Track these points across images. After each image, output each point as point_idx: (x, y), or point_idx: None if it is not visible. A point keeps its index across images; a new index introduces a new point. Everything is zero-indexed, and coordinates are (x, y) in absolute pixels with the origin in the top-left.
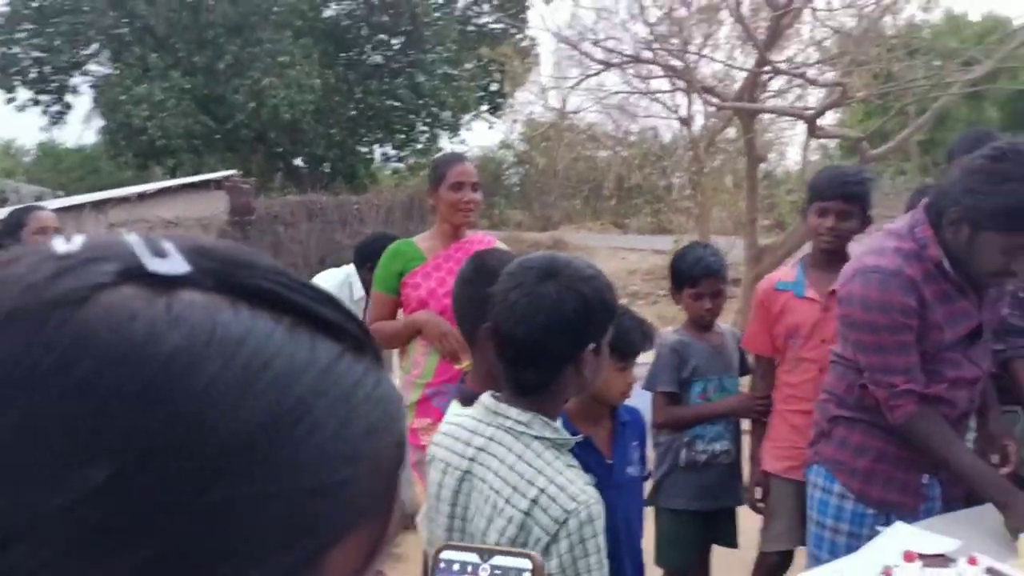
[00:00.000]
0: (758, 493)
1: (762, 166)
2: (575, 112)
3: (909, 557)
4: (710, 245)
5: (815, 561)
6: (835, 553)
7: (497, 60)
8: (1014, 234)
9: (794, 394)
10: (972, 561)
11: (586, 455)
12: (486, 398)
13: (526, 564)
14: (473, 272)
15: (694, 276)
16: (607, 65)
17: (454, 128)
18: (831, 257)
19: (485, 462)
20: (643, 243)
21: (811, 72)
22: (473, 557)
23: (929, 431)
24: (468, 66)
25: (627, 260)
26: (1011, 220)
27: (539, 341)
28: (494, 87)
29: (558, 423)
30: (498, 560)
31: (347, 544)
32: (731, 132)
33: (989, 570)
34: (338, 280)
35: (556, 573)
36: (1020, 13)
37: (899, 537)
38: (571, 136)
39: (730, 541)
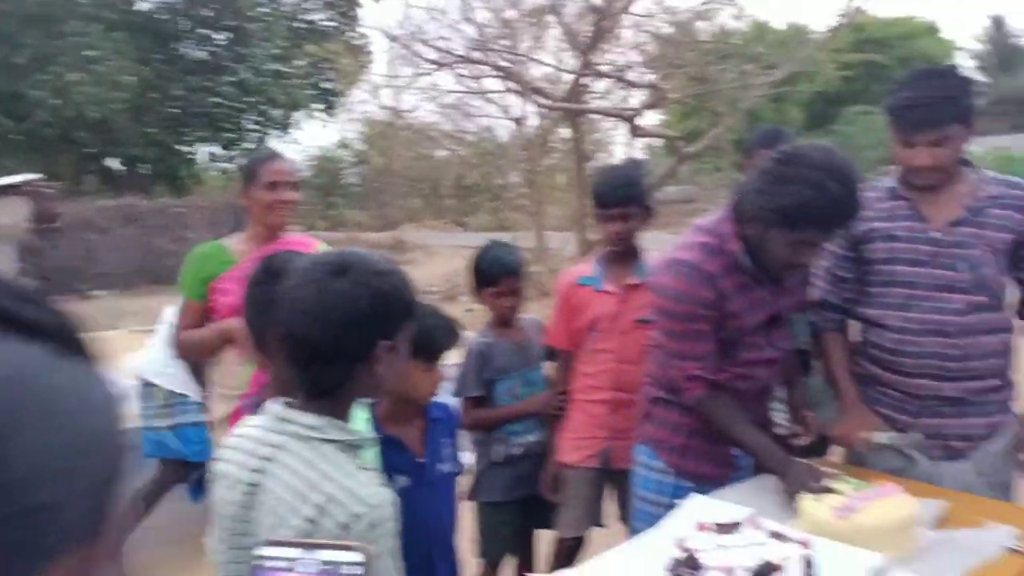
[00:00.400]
0: (548, 481)
1: (591, 164)
2: (410, 111)
3: (702, 527)
4: (508, 244)
5: (635, 533)
6: (651, 524)
7: (328, 58)
8: (796, 231)
9: (592, 384)
10: (756, 525)
11: (396, 455)
12: (274, 406)
13: (357, 557)
14: (262, 273)
15: (493, 275)
16: (439, 65)
17: (285, 126)
18: (622, 254)
19: (272, 472)
20: (483, 240)
21: (632, 75)
22: (296, 552)
23: (715, 412)
24: (299, 63)
25: (467, 258)
26: (792, 219)
27: (329, 339)
28: (327, 85)
29: (354, 424)
30: (326, 555)
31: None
32: (563, 132)
33: (771, 532)
34: None
35: None
36: (817, 21)
37: (694, 509)
38: (409, 135)
39: (549, 523)
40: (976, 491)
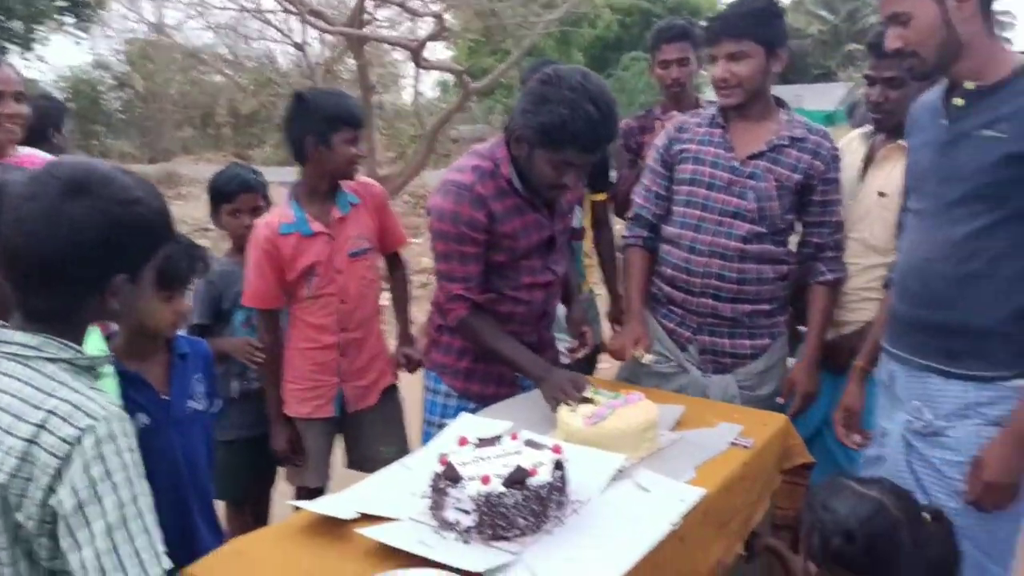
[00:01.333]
0: (282, 442)
1: (378, 97)
2: (174, 27)
3: (462, 442)
4: (252, 167)
5: None
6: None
7: None
8: (557, 151)
9: (318, 331)
10: (514, 436)
11: (136, 392)
12: None
13: None
14: None
15: (230, 192)
16: None
17: (26, 42)
18: (324, 192)
19: None
20: (270, 175)
21: (416, 4)
22: None
23: (478, 330)
24: None
25: None
26: (552, 138)
27: (52, 265)
28: None
29: (91, 348)
30: None
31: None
32: (350, 62)
33: (528, 442)
34: None
35: (68, 501)
36: None
37: (460, 426)
38: (177, 57)
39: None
40: (736, 401)
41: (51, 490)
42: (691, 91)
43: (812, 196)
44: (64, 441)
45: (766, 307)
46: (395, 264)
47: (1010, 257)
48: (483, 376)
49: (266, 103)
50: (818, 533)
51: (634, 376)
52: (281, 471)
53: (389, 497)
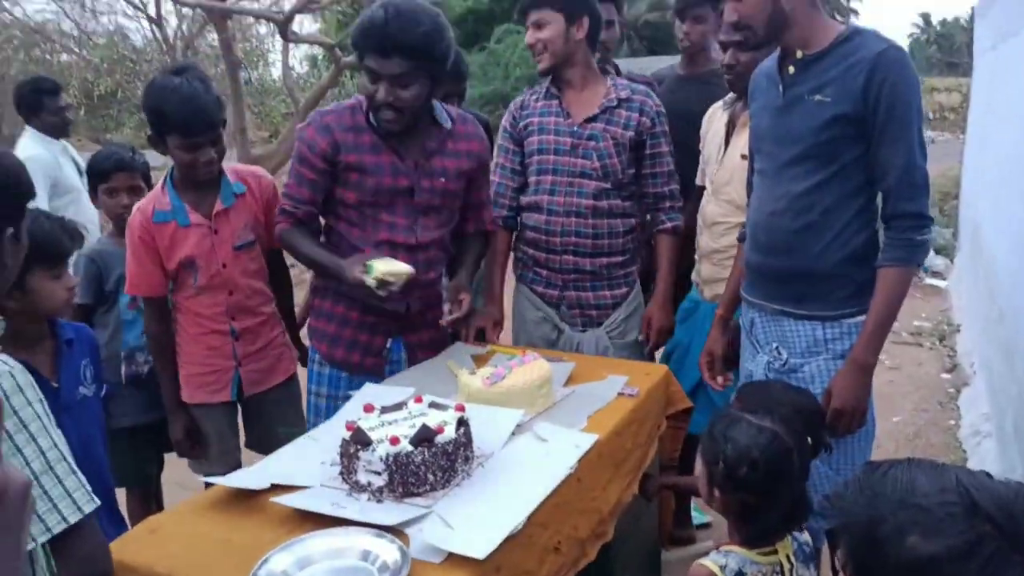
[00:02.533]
0: (179, 431)
1: (246, 73)
2: (12, 2)
3: (368, 409)
4: (133, 148)
5: (312, 427)
6: (321, 416)
7: None
8: (360, 57)
9: (207, 319)
10: (418, 400)
11: None
12: None
13: None
14: None
15: (106, 170)
16: None
17: None
18: (203, 182)
19: None
20: None
21: None
22: None
23: (295, 243)
24: None
25: None
26: (353, 43)
27: None
28: None
29: None
30: None
31: None
32: (213, 37)
33: (432, 404)
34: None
35: None
36: None
37: (365, 395)
38: (18, 35)
39: None
40: (610, 352)
41: None
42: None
43: (644, 150)
44: None
45: (620, 259)
46: (278, 264)
47: (840, 209)
48: (349, 343)
49: (121, 82)
50: (723, 463)
51: (519, 342)
52: (169, 460)
53: (300, 467)
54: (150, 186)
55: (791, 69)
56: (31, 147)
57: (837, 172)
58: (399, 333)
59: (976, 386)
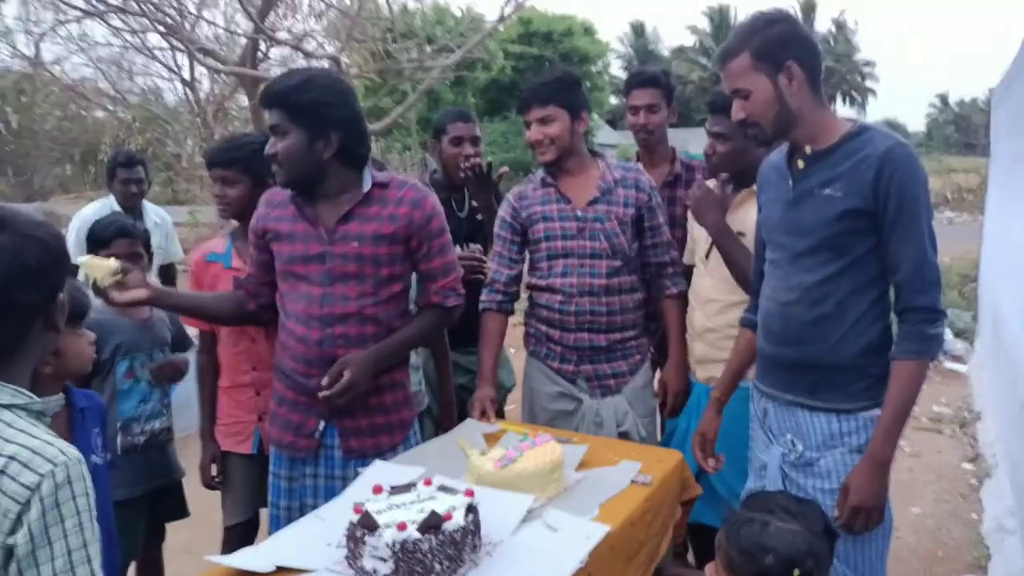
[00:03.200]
0: (213, 470)
1: None
2: (54, 62)
3: (376, 490)
4: (128, 216)
5: (273, 507)
6: (277, 496)
7: None
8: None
9: (236, 367)
10: (427, 482)
11: None
12: None
13: None
14: None
15: (106, 237)
16: (86, 12)
17: None
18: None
19: None
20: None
21: (311, 45)
22: None
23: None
24: None
25: None
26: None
27: (2, 295)
28: None
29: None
30: None
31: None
32: (244, 99)
33: (441, 487)
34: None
35: (23, 545)
36: (491, 11)
37: (373, 474)
38: (55, 92)
39: (181, 513)
40: (630, 417)
41: (12, 532)
42: (665, 141)
43: (644, 224)
44: (25, 487)
45: (632, 332)
46: None
47: (855, 300)
48: (283, 423)
49: (152, 140)
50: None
51: (534, 415)
52: (172, 526)
53: (304, 548)
54: (150, 254)
55: (800, 163)
56: (87, 208)
57: (851, 264)
58: (331, 417)
59: (999, 478)
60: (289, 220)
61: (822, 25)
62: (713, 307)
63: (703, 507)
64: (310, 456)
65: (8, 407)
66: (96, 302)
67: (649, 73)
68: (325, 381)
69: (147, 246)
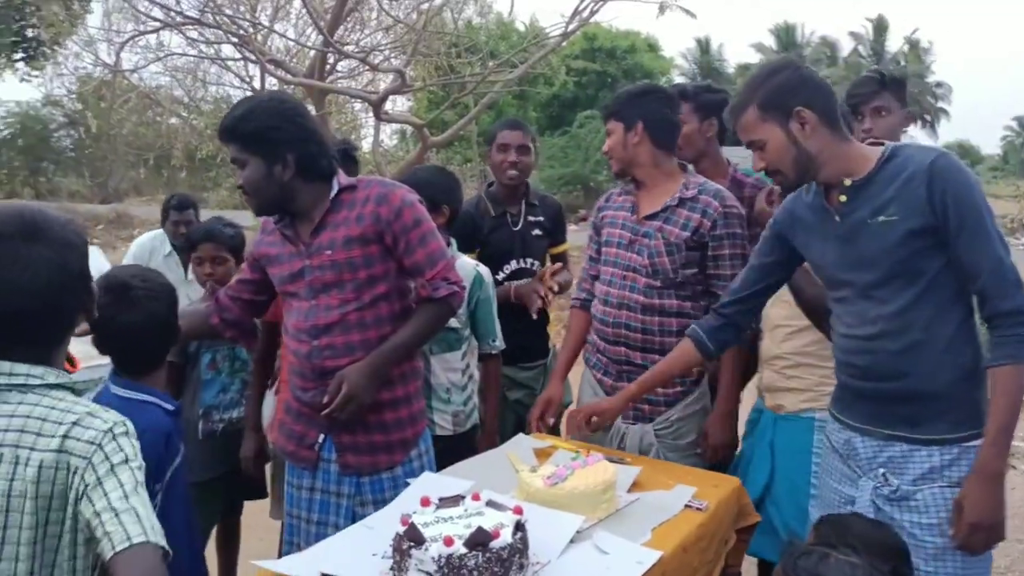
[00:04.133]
0: (248, 449)
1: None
2: (132, 71)
3: (424, 502)
4: (226, 220)
5: (287, 516)
6: (292, 504)
7: (30, 1)
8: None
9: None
10: (476, 497)
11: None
12: None
13: None
14: None
15: (194, 240)
16: (164, 24)
17: None
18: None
19: None
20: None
21: (377, 59)
22: None
23: None
24: None
25: None
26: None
27: (53, 305)
28: (31, 32)
29: None
30: None
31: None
32: (312, 109)
33: (489, 502)
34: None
35: (91, 479)
36: (556, 26)
37: (422, 485)
38: (133, 98)
39: (259, 493)
40: (654, 450)
41: (83, 478)
42: (711, 156)
43: (706, 251)
44: (91, 443)
45: None
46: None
47: (942, 322)
48: (287, 432)
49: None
50: None
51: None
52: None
53: (351, 557)
54: (239, 258)
55: (843, 198)
56: (143, 237)
57: (928, 285)
58: (330, 431)
59: None
60: (278, 244)
61: (894, 44)
62: (780, 333)
63: (763, 540)
64: (309, 467)
65: (54, 386)
66: (190, 296)
67: (677, 88)
68: (326, 398)
69: (236, 251)
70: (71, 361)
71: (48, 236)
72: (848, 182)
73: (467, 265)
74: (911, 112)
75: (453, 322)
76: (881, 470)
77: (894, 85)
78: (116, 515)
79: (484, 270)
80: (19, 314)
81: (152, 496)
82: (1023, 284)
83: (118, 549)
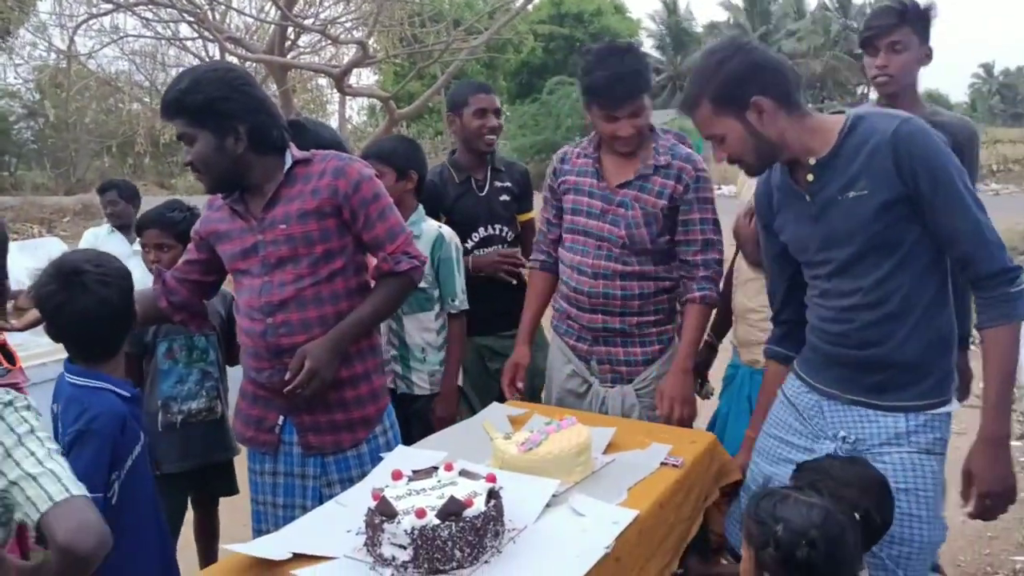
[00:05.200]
0: None
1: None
2: (87, 55)
3: (396, 475)
4: (184, 205)
5: (253, 503)
6: (257, 491)
7: None
8: None
9: None
10: (448, 467)
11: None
12: None
13: None
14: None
15: (140, 226)
16: (116, 6)
17: None
18: None
19: None
20: (192, 204)
21: (339, 31)
22: None
23: None
24: None
25: None
26: None
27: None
28: None
29: None
30: None
31: None
32: (273, 86)
33: (462, 472)
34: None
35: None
36: None
37: (395, 459)
38: (92, 85)
39: (229, 490)
40: (636, 410)
41: None
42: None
43: (677, 216)
44: None
45: (652, 317)
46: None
47: (919, 291)
48: (244, 417)
49: None
50: (775, 545)
51: (550, 392)
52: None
53: (323, 535)
54: (184, 243)
55: (810, 177)
56: (88, 232)
57: (905, 256)
58: (289, 412)
59: None
60: (227, 220)
61: None
62: (753, 287)
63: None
64: (270, 452)
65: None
66: (139, 268)
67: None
68: (288, 375)
69: (183, 236)
70: (11, 358)
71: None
72: (813, 160)
73: (431, 227)
74: (930, 50)
75: (422, 283)
76: (842, 432)
77: (916, 18)
78: (34, 479)
79: (447, 230)
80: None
81: (109, 485)
82: (1003, 244)
83: (43, 510)
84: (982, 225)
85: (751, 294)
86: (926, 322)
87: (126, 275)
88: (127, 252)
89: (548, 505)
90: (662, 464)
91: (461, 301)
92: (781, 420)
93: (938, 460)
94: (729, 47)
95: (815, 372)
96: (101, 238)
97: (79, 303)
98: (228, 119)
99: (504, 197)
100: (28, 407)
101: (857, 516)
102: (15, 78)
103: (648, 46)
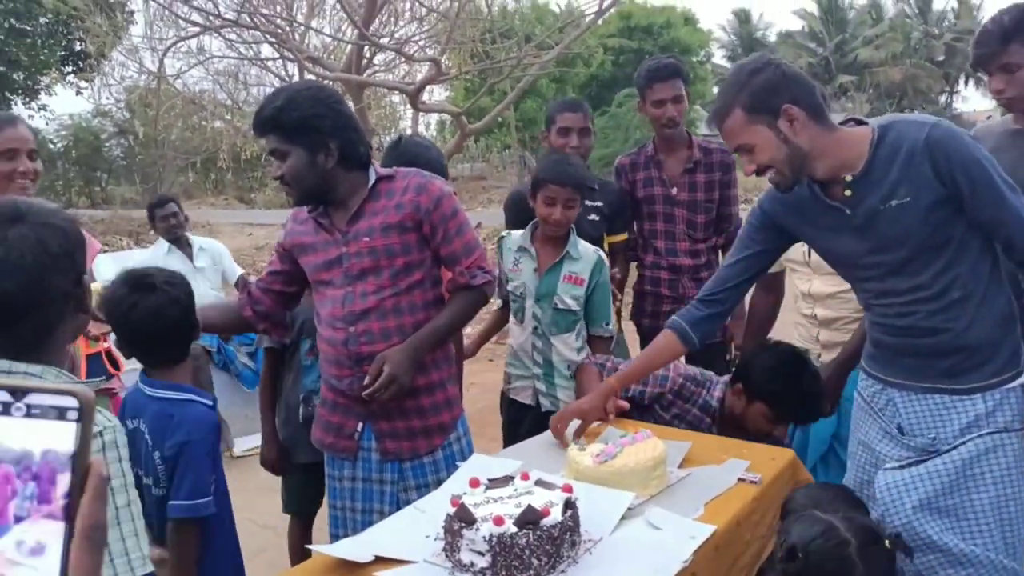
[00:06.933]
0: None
1: (378, 139)
2: (175, 76)
3: (473, 483)
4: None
5: (331, 508)
6: (335, 497)
7: (76, 15)
8: None
9: None
10: (525, 476)
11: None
12: None
13: (71, 402)
14: None
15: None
16: (203, 28)
17: (30, 92)
18: None
19: None
20: (271, 218)
21: (412, 49)
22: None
23: None
24: (42, 20)
25: (255, 236)
26: None
27: (34, 285)
28: (79, 46)
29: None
30: (35, 398)
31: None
32: (350, 104)
33: (538, 482)
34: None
35: None
36: (590, 6)
37: (470, 468)
38: (178, 104)
39: None
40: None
41: None
42: (683, 128)
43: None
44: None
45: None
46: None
47: (975, 277)
48: (324, 424)
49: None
50: (780, 558)
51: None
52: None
53: (404, 540)
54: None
55: (847, 192)
56: (142, 253)
57: (957, 248)
58: (368, 419)
59: None
60: (312, 232)
61: (941, 1)
62: (836, 299)
63: None
64: (349, 458)
65: None
66: (200, 286)
67: (671, 65)
68: (367, 380)
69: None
70: (115, 364)
71: (29, 219)
72: (849, 177)
73: (588, 250)
74: None
75: (572, 304)
76: (930, 436)
77: (1018, 33)
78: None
79: (602, 254)
80: (3, 295)
81: (209, 485)
82: None
83: None
84: (1020, 208)
85: (835, 305)
86: (989, 302)
87: (186, 281)
88: (189, 269)
89: (623, 517)
90: (739, 480)
91: (613, 324)
92: (863, 423)
93: (1018, 437)
94: (759, 60)
95: (884, 366)
96: (160, 259)
97: (150, 301)
98: (321, 136)
99: (592, 216)
100: (115, 443)
101: (887, 539)
102: (107, 98)
103: (718, 57)
